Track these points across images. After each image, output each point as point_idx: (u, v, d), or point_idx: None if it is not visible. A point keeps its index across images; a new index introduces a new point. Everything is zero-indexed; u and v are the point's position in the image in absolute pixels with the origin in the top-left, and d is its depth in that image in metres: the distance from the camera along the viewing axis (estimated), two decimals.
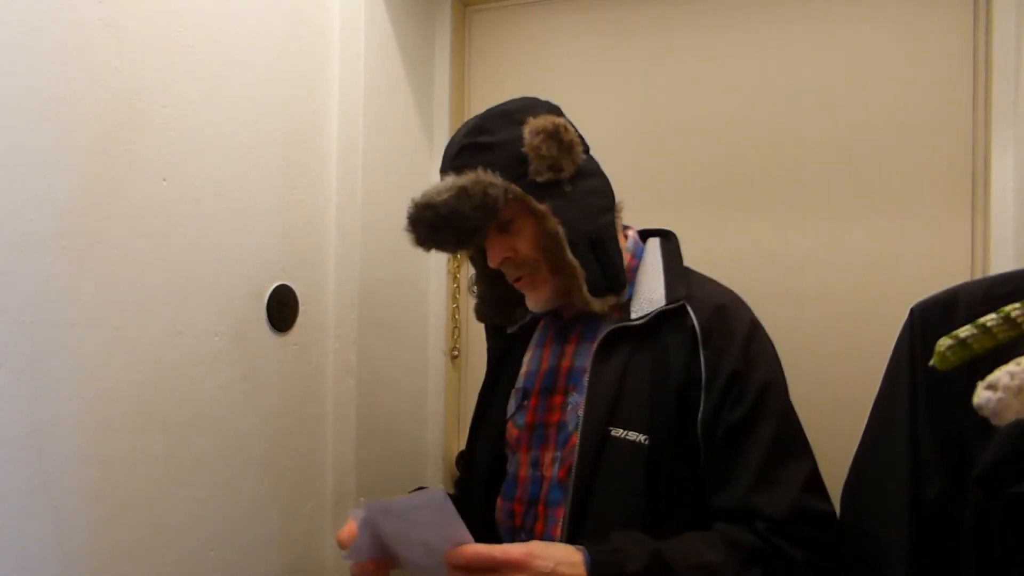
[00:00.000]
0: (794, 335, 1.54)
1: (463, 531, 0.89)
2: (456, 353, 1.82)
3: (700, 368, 1.03)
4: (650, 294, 1.10)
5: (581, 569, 0.89)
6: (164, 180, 1.12)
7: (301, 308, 1.40)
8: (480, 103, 1.83)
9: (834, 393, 1.50)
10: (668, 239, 1.21)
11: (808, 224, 1.54)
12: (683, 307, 1.07)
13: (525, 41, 1.79)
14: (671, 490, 1.03)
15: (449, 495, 1.24)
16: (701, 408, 1.02)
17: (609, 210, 1.12)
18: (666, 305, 1.07)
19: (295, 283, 1.39)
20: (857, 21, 1.51)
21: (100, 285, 1.02)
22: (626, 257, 1.14)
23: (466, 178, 1.01)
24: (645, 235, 1.22)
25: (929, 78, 1.46)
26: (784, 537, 0.96)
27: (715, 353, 1.03)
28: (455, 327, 1.81)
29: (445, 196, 1.01)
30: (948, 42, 1.45)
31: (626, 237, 1.18)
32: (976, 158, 1.43)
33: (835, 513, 1.02)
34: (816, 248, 1.53)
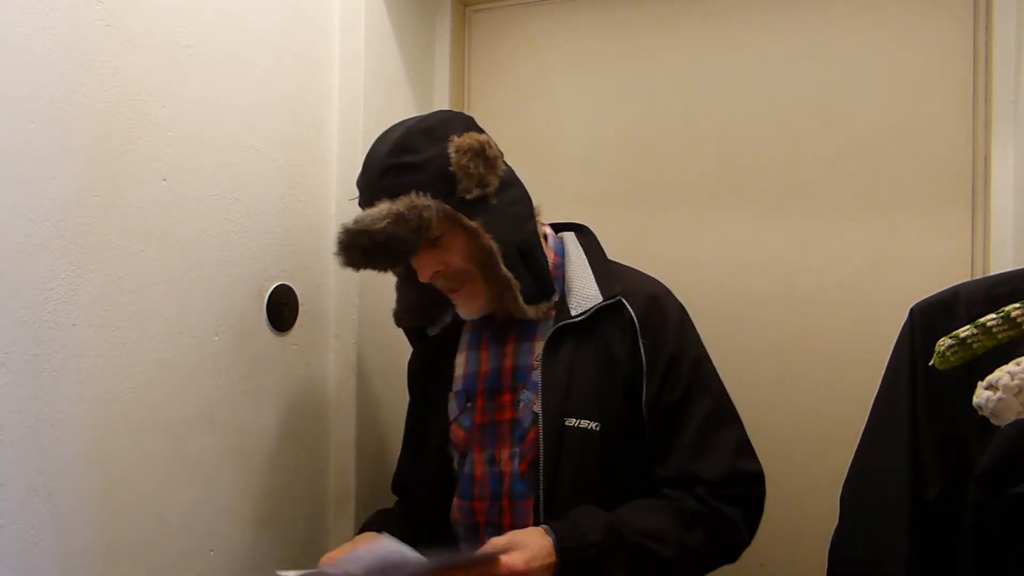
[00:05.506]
0: (794, 335, 1.54)
1: None
2: None
3: (641, 356, 1.12)
4: (584, 291, 1.16)
5: (551, 549, 0.99)
6: (164, 180, 1.12)
7: (301, 308, 1.40)
8: (480, 103, 1.83)
9: (834, 393, 1.50)
10: (583, 234, 1.27)
11: (808, 224, 1.54)
12: (619, 301, 1.14)
13: (525, 41, 1.79)
14: (623, 469, 1.12)
15: (390, 509, 1.25)
16: (644, 392, 1.12)
17: (531, 217, 1.17)
18: (604, 301, 1.14)
19: (295, 283, 1.39)
20: (857, 21, 1.51)
21: (100, 285, 1.02)
22: (551, 255, 1.19)
23: (401, 203, 1.03)
24: (557, 228, 1.27)
25: (929, 78, 1.46)
26: (721, 499, 1.08)
27: (653, 341, 1.13)
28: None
29: (382, 224, 1.03)
30: (948, 42, 1.45)
31: (546, 238, 1.21)
32: (976, 158, 1.43)
33: (762, 472, 1.14)
34: (816, 248, 1.53)
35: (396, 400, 1.64)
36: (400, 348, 1.67)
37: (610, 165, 1.70)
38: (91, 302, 1.01)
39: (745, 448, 1.14)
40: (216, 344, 1.21)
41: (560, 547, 0.99)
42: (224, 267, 1.23)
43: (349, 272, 1.49)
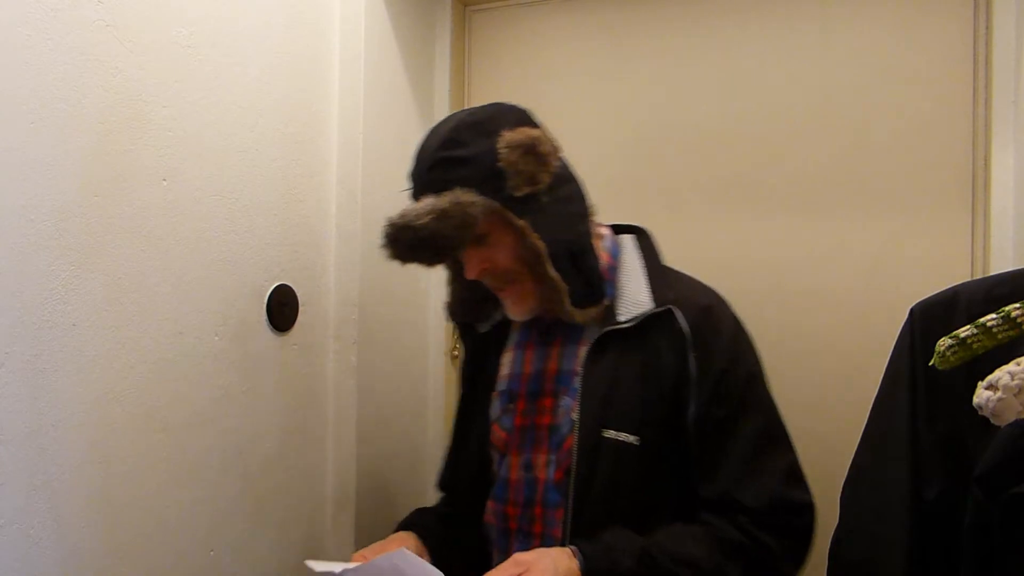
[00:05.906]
0: (794, 335, 1.54)
1: None
2: (456, 353, 1.81)
3: (690, 369, 1.05)
4: (635, 296, 1.10)
5: (577, 574, 0.96)
6: (164, 180, 1.12)
7: (301, 308, 1.40)
8: (480, 103, 1.82)
9: (834, 393, 1.50)
10: (642, 237, 1.21)
11: (809, 224, 1.54)
12: (670, 310, 1.08)
13: (525, 41, 1.79)
14: (662, 486, 1.06)
15: (430, 509, 1.23)
16: (692, 407, 1.05)
17: (586, 216, 1.12)
18: (654, 308, 1.08)
19: (295, 283, 1.39)
20: (857, 21, 1.51)
21: (100, 285, 1.02)
22: (604, 256, 1.14)
23: (445, 200, 1.00)
24: (616, 230, 1.22)
25: (929, 78, 1.46)
26: (763, 528, 1.01)
27: (704, 354, 1.06)
28: (455, 327, 1.80)
29: (425, 219, 1.00)
30: (948, 42, 1.45)
31: (600, 237, 1.17)
32: (976, 158, 1.43)
33: (813, 503, 1.05)
34: (816, 248, 1.53)
35: (396, 401, 1.64)
36: (400, 349, 1.67)
37: (610, 165, 1.70)
38: (91, 302, 1.01)
39: (795, 475, 1.05)
40: (216, 344, 1.21)
41: (587, 569, 0.96)
42: (224, 267, 1.23)
43: (349, 272, 1.50)
